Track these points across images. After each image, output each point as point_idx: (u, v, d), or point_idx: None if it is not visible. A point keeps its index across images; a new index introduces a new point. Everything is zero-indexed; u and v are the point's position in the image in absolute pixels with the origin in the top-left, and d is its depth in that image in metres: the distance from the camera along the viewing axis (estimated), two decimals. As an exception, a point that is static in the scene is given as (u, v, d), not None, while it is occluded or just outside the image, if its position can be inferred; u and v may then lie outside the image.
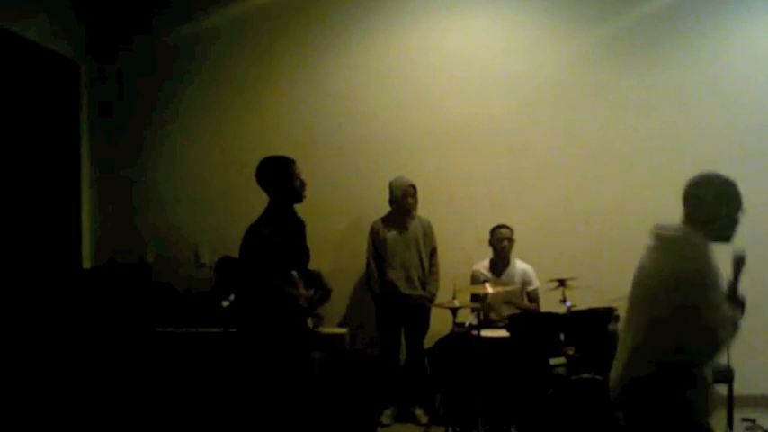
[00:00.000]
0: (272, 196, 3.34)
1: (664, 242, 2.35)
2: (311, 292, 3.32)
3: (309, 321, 3.34)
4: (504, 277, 4.74)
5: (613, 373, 2.43)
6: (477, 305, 4.30)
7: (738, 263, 2.36)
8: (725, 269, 2.32)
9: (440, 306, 4.25)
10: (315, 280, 3.42)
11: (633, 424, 2.36)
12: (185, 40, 5.21)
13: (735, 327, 2.25)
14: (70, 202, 4.96)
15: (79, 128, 5.05)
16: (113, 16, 5.21)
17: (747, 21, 5.16)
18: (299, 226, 3.45)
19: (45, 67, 4.68)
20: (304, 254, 3.43)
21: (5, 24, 4.23)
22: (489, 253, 4.84)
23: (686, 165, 4.82)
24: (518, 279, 4.74)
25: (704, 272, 2.20)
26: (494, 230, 4.77)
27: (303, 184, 3.36)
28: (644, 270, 2.40)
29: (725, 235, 2.35)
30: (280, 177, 3.30)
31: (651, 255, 2.39)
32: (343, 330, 4.84)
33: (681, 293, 2.21)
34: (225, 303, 4.49)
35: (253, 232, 3.22)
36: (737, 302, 2.33)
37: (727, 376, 4.04)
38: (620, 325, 3.86)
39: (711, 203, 2.33)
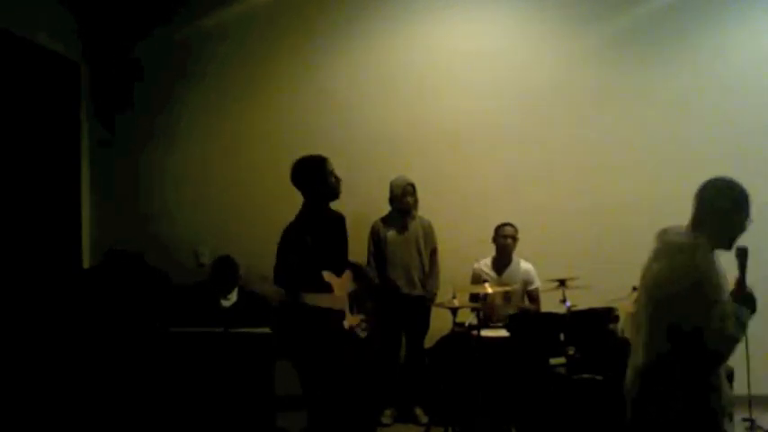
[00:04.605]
0: (308, 196, 3.31)
1: (665, 247, 2.31)
2: (351, 287, 3.32)
3: (347, 322, 3.29)
4: (505, 276, 4.74)
5: (627, 380, 2.39)
6: (477, 305, 4.30)
7: (742, 256, 2.28)
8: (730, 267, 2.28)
9: (440, 306, 4.25)
10: (359, 273, 3.43)
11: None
12: (186, 40, 5.20)
13: (741, 327, 2.19)
14: (70, 202, 4.96)
15: (80, 128, 5.06)
16: (115, 15, 5.20)
17: (749, 20, 5.16)
18: (337, 221, 3.43)
19: (45, 67, 4.68)
20: (342, 249, 3.40)
21: (6, 25, 4.24)
22: (491, 252, 4.84)
23: (688, 165, 4.94)
24: (520, 278, 4.74)
25: (701, 278, 2.16)
26: (498, 228, 4.78)
27: (338, 180, 3.33)
28: (646, 276, 2.36)
29: (728, 242, 2.30)
30: (315, 176, 3.26)
31: (654, 260, 2.34)
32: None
33: (679, 300, 2.18)
34: (225, 303, 4.49)
35: (288, 236, 3.19)
36: (747, 299, 2.24)
37: (727, 376, 4.03)
38: (628, 328, 3.86)
39: (718, 209, 2.29)
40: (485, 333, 4.10)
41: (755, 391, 4.32)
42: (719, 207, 2.29)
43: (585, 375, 3.79)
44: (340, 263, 3.34)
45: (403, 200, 4.73)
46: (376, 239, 4.79)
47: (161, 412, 3.95)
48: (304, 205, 3.32)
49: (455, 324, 4.22)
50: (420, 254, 4.77)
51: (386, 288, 4.70)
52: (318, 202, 3.31)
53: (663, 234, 2.36)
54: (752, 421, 4.37)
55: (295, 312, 3.15)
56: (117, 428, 3.93)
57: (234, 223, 5.15)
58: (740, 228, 2.31)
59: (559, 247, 5.05)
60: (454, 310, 4.07)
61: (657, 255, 2.34)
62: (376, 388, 4.56)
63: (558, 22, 5.21)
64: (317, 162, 3.30)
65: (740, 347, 3.16)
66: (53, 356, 4.02)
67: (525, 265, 4.80)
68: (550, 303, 4.56)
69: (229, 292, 4.53)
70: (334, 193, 3.33)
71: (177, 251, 5.12)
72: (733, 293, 2.25)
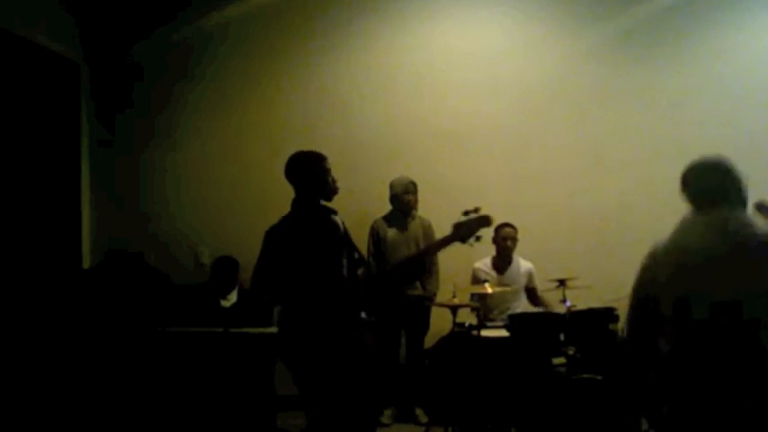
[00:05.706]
0: (299, 192, 3.17)
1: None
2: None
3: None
4: (506, 275, 4.74)
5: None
6: (476, 304, 4.30)
7: (764, 210, 2.28)
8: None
9: (440, 305, 4.25)
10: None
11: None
12: (186, 40, 5.21)
13: None
14: (70, 202, 4.96)
15: (80, 128, 5.05)
16: (115, 16, 5.20)
17: (749, 21, 5.16)
18: (330, 227, 3.18)
19: (45, 67, 4.68)
20: (334, 253, 3.18)
21: (6, 25, 4.24)
22: (491, 252, 4.84)
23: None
24: (522, 277, 4.75)
25: None
26: (498, 229, 4.78)
27: (334, 181, 3.19)
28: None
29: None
30: (310, 172, 3.14)
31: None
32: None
33: None
34: (225, 304, 4.49)
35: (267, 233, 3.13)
36: None
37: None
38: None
39: (738, 180, 2.35)
40: (485, 333, 4.10)
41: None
42: (736, 178, 2.36)
43: (585, 375, 3.79)
44: (328, 266, 3.12)
45: (404, 198, 4.73)
46: (376, 239, 4.79)
47: (161, 412, 3.95)
48: (294, 201, 3.19)
49: (455, 324, 4.23)
50: (420, 254, 4.77)
51: (386, 288, 4.70)
52: (309, 198, 3.15)
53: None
54: (752, 421, 4.38)
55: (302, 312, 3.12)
56: (117, 428, 3.93)
57: (234, 223, 5.15)
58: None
59: (559, 246, 5.05)
60: (454, 310, 4.07)
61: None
62: (376, 389, 4.56)
63: (558, 22, 5.21)
64: (314, 157, 3.18)
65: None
66: (53, 356, 4.02)
67: (526, 264, 4.81)
68: (550, 303, 4.56)
69: (229, 292, 4.54)
70: (329, 191, 3.19)
71: (177, 251, 5.12)
72: None
